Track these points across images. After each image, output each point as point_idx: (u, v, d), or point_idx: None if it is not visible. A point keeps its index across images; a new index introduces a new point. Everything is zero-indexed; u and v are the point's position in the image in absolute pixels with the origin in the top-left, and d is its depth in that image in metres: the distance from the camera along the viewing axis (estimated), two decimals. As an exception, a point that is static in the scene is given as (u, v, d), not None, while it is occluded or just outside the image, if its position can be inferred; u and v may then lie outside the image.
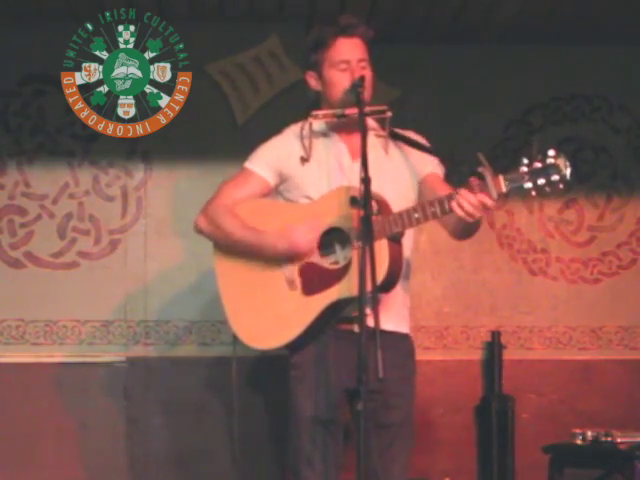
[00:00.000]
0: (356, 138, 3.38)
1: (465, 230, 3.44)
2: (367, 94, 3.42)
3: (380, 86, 5.16)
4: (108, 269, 5.07)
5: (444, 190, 3.43)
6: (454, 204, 3.23)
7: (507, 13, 4.98)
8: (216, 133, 5.08)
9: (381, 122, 3.55)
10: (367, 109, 3.43)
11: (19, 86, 5.10)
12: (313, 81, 3.56)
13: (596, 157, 5.40)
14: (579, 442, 4.50)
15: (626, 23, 5.09)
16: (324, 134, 3.55)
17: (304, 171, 3.50)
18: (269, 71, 5.17)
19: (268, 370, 4.69)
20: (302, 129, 3.53)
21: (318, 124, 3.54)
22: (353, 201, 3.21)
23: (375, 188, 3.23)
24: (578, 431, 4.52)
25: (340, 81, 3.47)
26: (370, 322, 3.09)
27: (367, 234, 3.11)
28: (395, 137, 3.55)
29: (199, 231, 3.59)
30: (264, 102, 5.14)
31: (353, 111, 3.40)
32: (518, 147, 5.34)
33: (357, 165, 3.30)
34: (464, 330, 5.30)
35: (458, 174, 3.58)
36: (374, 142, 3.51)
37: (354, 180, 3.34)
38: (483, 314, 5.30)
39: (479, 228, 3.45)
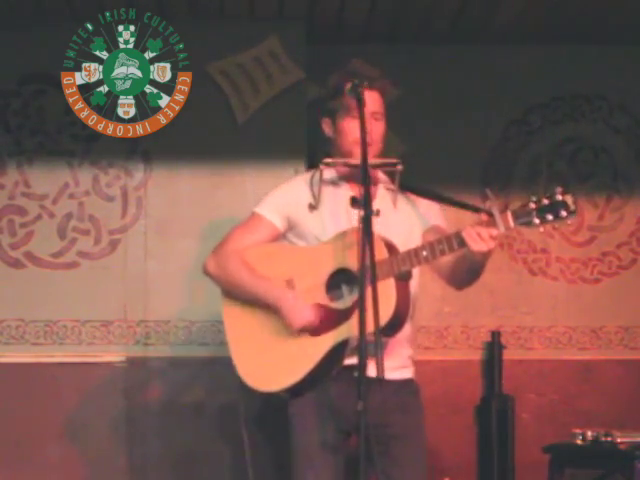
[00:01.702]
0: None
1: (469, 273, 3.47)
2: (374, 148, 3.45)
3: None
4: (108, 269, 5.07)
5: None
6: (464, 233, 3.24)
7: (507, 13, 4.98)
8: (216, 133, 5.08)
9: (391, 175, 3.56)
10: (378, 161, 3.48)
11: (19, 86, 5.10)
12: (327, 128, 3.57)
13: (596, 157, 5.40)
14: (579, 442, 4.50)
15: (626, 23, 5.09)
16: (334, 183, 3.56)
17: (312, 219, 3.51)
18: (269, 71, 5.16)
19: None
20: (312, 177, 3.55)
21: (329, 173, 3.55)
22: (353, 201, 3.21)
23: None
24: (578, 431, 4.52)
25: (351, 130, 3.47)
26: (371, 372, 3.07)
27: (367, 234, 3.11)
28: (405, 189, 3.56)
29: (208, 274, 3.61)
30: (264, 102, 5.14)
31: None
32: (518, 147, 5.35)
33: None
34: (464, 330, 5.30)
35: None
36: (383, 195, 3.54)
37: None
38: (483, 314, 5.30)
39: (482, 272, 3.46)
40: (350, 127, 3.48)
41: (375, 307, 3.05)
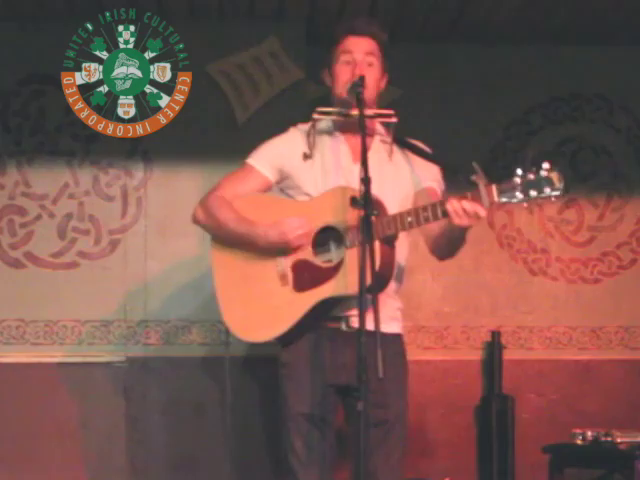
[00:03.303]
0: (360, 140, 3.39)
1: (449, 245, 3.48)
2: (367, 94, 3.42)
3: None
4: (108, 269, 5.07)
5: None
6: (449, 206, 3.25)
7: (507, 13, 4.98)
8: (216, 133, 5.08)
9: (387, 127, 3.55)
10: (371, 111, 3.47)
11: (19, 86, 5.10)
12: (327, 78, 3.59)
13: (596, 157, 5.40)
14: (579, 442, 4.50)
15: (626, 23, 5.09)
16: (329, 133, 3.56)
17: (304, 169, 3.52)
18: (269, 71, 5.16)
19: (261, 368, 4.71)
20: (310, 127, 3.54)
21: (326, 123, 3.56)
22: (353, 201, 3.22)
23: (375, 191, 3.24)
24: (578, 431, 4.52)
25: (342, 74, 3.50)
26: (355, 322, 3.22)
27: (366, 234, 3.11)
28: (401, 144, 3.55)
29: (196, 221, 3.62)
30: (264, 102, 5.14)
31: (355, 111, 3.40)
32: (518, 147, 5.35)
33: (357, 167, 3.32)
34: (464, 330, 5.30)
35: (455, 182, 3.57)
36: (378, 147, 3.54)
37: (351, 181, 3.39)
38: (483, 314, 5.30)
39: (462, 246, 3.46)
40: (341, 70, 3.50)
41: (376, 316, 3.05)
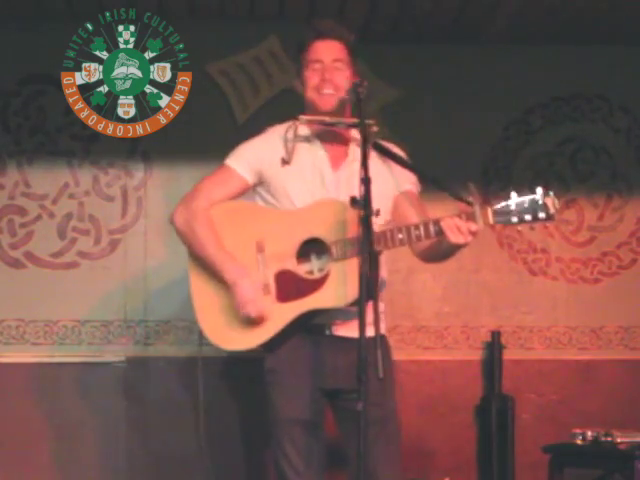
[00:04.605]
0: (337, 148, 3.51)
1: (436, 257, 3.53)
2: (339, 95, 3.46)
3: (380, 86, 5.20)
4: (108, 269, 5.07)
5: (419, 207, 3.54)
6: (444, 224, 3.29)
7: (507, 13, 4.98)
8: (216, 133, 5.07)
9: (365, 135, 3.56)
10: (351, 121, 3.49)
11: (19, 86, 5.10)
12: (299, 86, 3.60)
13: (596, 157, 5.40)
14: (579, 442, 4.50)
15: (626, 23, 5.09)
16: (307, 139, 3.56)
17: (284, 174, 3.50)
18: (269, 71, 5.17)
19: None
20: (287, 132, 3.53)
21: (303, 129, 3.55)
22: (353, 202, 3.21)
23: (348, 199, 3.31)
24: (578, 431, 4.52)
25: (310, 79, 3.51)
26: (337, 331, 3.41)
27: (367, 235, 3.12)
28: (379, 150, 3.55)
29: (174, 223, 3.60)
30: (264, 102, 5.14)
31: (339, 120, 3.46)
32: (518, 147, 5.35)
33: (336, 174, 3.45)
34: (464, 330, 5.30)
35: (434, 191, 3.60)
36: (356, 153, 3.52)
37: (333, 190, 3.46)
38: (483, 314, 5.30)
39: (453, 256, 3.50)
40: (309, 75, 3.52)
41: (376, 319, 3.10)
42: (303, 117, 3.52)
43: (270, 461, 3.63)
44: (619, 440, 4.39)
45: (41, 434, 4.96)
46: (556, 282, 5.35)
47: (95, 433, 4.98)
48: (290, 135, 3.52)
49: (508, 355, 5.22)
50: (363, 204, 3.16)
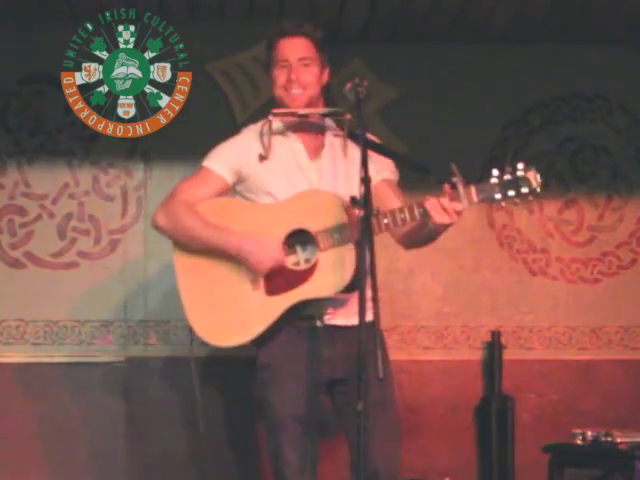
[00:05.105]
0: (313, 138, 3.55)
1: (417, 241, 3.54)
2: (310, 92, 3.52)
3: (380, 86, 5.21)
4: (108, 269, 5.07)
5: (398, 195, 3.56)
6: (428, 204, 3.30)
7: (507, 13, 4.98)
8: (216, 133, 5.05)
9: (340, 123, 3.58)
10: (325, 110, 3.54)
11: (19, 86, 5.11)
12: (268, 81, 3.64)
13: (596, 157, 5.40)
14: (579, 442, 4.50)
15: (626, 23, 5.09)
16: (282, 133, 3.58)
17: (263, 169, 3.53)
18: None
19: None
20: (262, 127, 3.56)
21: (277, 123, 3.58)
22: (353, 201, 3.22)
23: (329, 188, 3.41)
24: (578, 431, 4.52)
25: (278, 78, 3.55)
26: (328, 320, 3.42)
27: (367, 234, 3.12)
28: (354, 138, 3.54)
29: (157, 227, 3.61)
30: (264, 102, 5.14)
31: (311, 110, 3.50)
32: (518, 147, 5.35)
33: (314, 164, 3.50)
34: (464, 330, 5.30)
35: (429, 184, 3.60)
36: (332, 142, 3.57)
37: (312, 179, 3.49)
38: (483, 314, 5.30)
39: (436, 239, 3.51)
40: (277, 74, 3.56)
41: (376, 315, 3.10)
42: (276, 111, 3.55)
43: (266, 460, 3.62)
44: (619, 440, 4.39)
45: (41, 434, 4.96)
46: (556, 282, 5.35)
47: (95, 433, 4.98)
48: (265, 130, 3.55)
49: (508, 355, 5.22)
50: (363, 204, 3.16)
